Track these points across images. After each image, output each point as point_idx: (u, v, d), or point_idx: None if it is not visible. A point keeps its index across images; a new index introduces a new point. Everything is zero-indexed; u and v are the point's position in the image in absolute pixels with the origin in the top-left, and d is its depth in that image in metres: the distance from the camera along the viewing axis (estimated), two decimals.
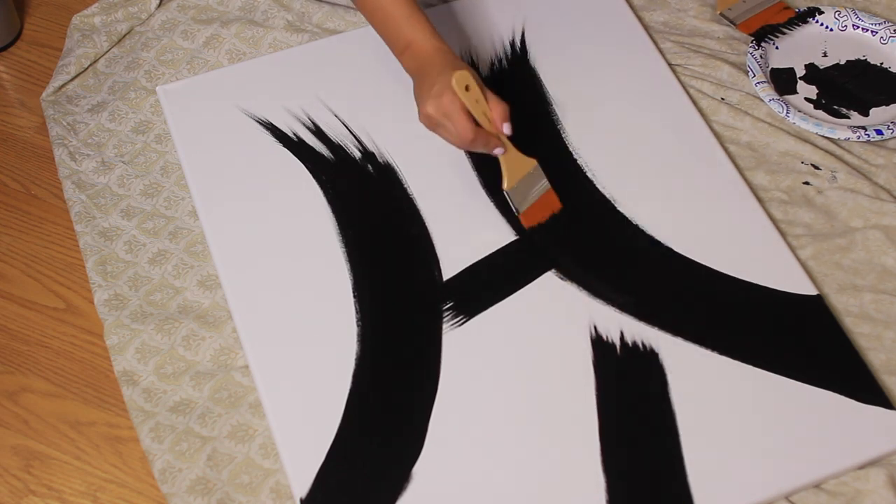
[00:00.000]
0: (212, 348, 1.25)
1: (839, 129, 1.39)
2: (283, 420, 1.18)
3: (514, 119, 1.25)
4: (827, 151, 1.39)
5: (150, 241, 1.34)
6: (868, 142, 1.40)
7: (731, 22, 1.53)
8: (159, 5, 1.55)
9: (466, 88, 1.19)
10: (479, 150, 1.23)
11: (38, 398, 1.24)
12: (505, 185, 1.26)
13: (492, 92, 1.23)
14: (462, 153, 1.38)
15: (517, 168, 1.27)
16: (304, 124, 1.41)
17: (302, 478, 1.14)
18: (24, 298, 1.32)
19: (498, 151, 1.24)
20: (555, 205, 1.31)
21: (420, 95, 1.23)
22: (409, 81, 1.25)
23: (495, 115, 1.23)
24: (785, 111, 1.41)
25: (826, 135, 1.40)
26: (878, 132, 1.39)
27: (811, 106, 1.45)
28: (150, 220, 1.35)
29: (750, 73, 1.45)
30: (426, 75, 1.23)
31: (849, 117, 1.43)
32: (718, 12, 1.53)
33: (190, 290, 1.29)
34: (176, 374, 1.23)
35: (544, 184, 1.30)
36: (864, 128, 1.39)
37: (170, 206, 1.36)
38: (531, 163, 1.28)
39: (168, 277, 1.31)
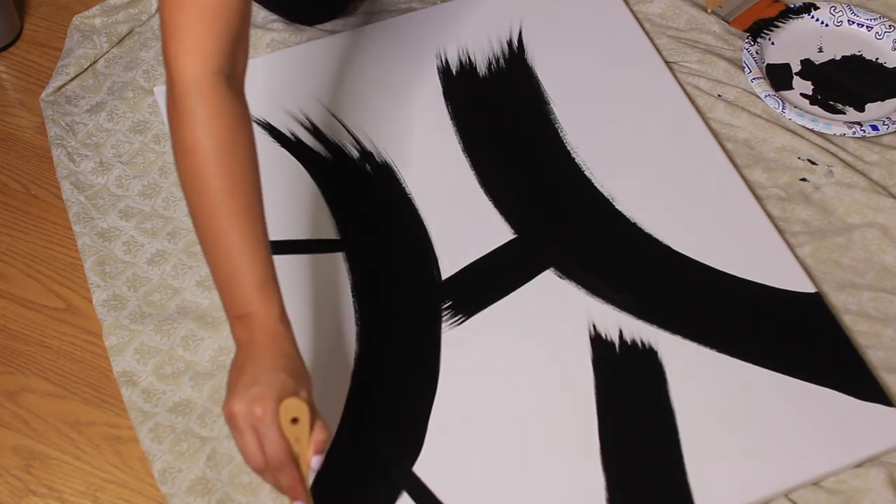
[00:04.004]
0: (211, 348, 1.23)
1: (835, 125, 1.37)
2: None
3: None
4: (823, 149, 1.36)
5: (148, 241, 1.31)
6: (863, 137, 1.37)
7: (724, 19, 1.50)
8: None
9: (294, 421, 0.94)
10: (270, 483, 0.97)
11: (38, 398, 1.22)
12: None
13: (320, 419, 0.97)
14: (459, 151, 1.36)
15: None
16: (302, 124, 1.39)
17: None
18: (24, 298, 1.30)
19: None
20: None
21: (236, 382, 0.96)
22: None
23: (313, 442, 0.96)
24: (781, 107, 1.38)
25: (822, 130, 1.37)
26: (874, 128, 1.36)
27: (807, 102, 1.42)
28: (149, 220, 1.33)
29: (746, 68, 1.43)
30: (252, 360, 0.97)
31: (844, 113, 1.41)
32: (709, 11, 1.50)
33: (189, 291, 1.27)
34: (175, 375, 1.21)
35: None
36: (859, 123, 1.37)
37: (168, 207, 1.34)
38: None
39: (167, 278, 1.28)
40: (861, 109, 1.41)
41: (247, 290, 0.99)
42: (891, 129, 1.36)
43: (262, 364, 0.96)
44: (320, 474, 1.11)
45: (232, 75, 1.00)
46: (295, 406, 0.94)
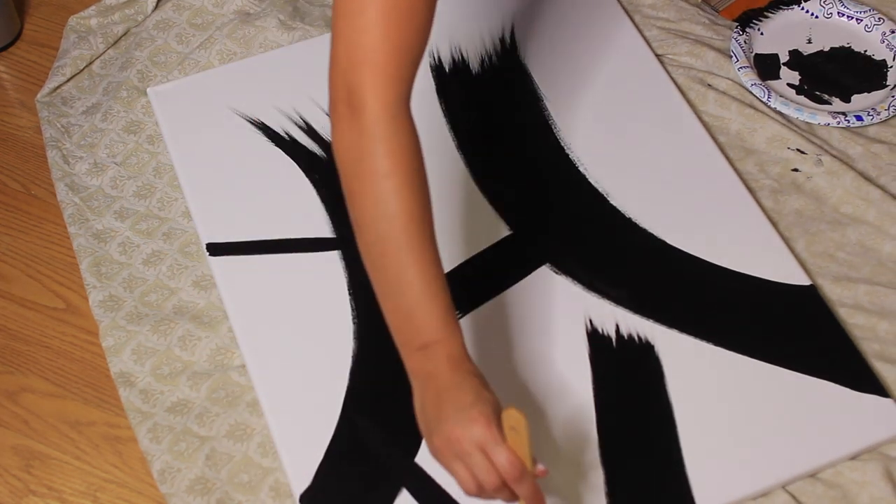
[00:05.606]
0: (208, 348, 1.17)
1: (820, 115, 1.31)
2: (281, 418, 1.10)
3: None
4: (809, 140, 1.30)
5: (143, 242, 1.26)
6: (848, 128, 1.31)
7: (714, 9, 1.44)
8: (156, 7, 1.45)
9: (512, 429, 0.88)
10: (501, 498, 0.90)
11: (38, 398, 1.17)
12: None
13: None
14: (454, 148, 1.30)
15: None
16: (296, 123, 1.33)
17: (301, 475, 1.07)
18: (24, 298, 1.24)
19: None
20: None
21: (438, 411, 0.90)
22: None
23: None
24: (767, 96, 1.32)
25: (806, 120, 1.31)
26: (858, 118, 1.30)
27: (793, 91, 1.36)
28: (144, 221, 1.27)
29: (733, 58, 1.37)
30: (453, 386, 0.90)
31: (830, 103, 1.35)
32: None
33: (185, 291, 1.22)
34: (173, 375, 1.16)
35: None
36: (844, 114, 1.31)
37: (163, 208, 1.28)
38: None
39: (163, 278, 1.23)
40: (847, 100, 1.35)
41: (431, 320, 0.93)
42: (875, 120, 1.30)
43: (468, 385, 0.90)
44: (320, 471, 1.07)
45: (410, 98, 0.95)
46: (514, 416, 0.87)
